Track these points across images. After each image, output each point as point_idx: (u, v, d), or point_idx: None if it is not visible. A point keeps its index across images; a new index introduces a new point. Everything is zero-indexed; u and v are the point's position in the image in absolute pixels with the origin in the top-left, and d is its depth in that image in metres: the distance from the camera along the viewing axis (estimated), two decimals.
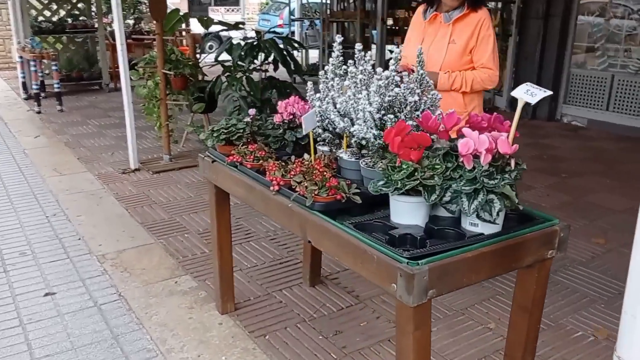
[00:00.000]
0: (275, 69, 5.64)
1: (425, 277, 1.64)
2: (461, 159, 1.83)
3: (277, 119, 2.69)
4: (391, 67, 2.16)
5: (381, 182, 1.92)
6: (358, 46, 2.30)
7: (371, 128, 2.15)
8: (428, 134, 1.92)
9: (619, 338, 1.50)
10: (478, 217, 1.79)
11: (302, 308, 3.04)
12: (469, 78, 3.02)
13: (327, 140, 2.53)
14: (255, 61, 5.52)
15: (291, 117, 2.68)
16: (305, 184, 2.09)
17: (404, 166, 1.87)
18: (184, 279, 3.37)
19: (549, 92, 1.78)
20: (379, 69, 2.14)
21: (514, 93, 1.86)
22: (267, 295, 3.18)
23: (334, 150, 2.45)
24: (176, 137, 6.03)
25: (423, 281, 1.64)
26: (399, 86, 2.17)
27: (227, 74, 5.55)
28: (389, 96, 2.12)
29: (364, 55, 2.27)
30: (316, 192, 2.04)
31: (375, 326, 2.86)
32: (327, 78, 2.53)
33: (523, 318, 2.04)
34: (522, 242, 1.85)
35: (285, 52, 5.52)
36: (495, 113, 2.08)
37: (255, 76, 5.58)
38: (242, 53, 5.44)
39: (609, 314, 2.99)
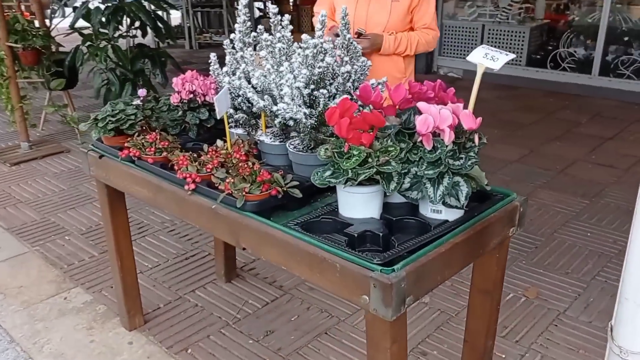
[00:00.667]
0: (144, 34, 5.04)
1: (404, 284, 1.39)
2: (419, 139, 1.59)
3: (174, 99, 2.27)
4: (318, 33, 1.84)
5: (328, 173, 1.62)
6: (273, 9, 1.94)
7: (300, 106, 1.83)
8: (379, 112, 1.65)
9: (617, 326, 1.37)
10: (444, 203, 1.57)
11: (222, 310, 2.70)
12: (414, 40, 2.77)
13: (240, 122, 2.17)
14: (120, 27, 4.87)
15: (191, 95, 2.27)
16: (231, 180, 1.74)
17: (354, 152, 1.59)
18: (74, 292, 2.87)
19: (512, 55, 1.57)
20: (304, 36, 1.81)
21: (471, 58, 1.64)
22: (179, 299, 2.80)
23: (252, 133, 2.10)
24: (33, 120, 5.24)
25: (401, 289, 1.39)
26: (330, 55, 1.86)
27: (88, 43, 4.86)
28: (319, 67, 1.81)
29: (281, 20, 1.93)
30: (247, 190, 1.70)
31: (308, 319, 2.61)
32: (234, 48, 2.15)
33: (484, 301, 1.89)
34: (488, 225, 1.67)
35: (153, 15, 4.92)
36: (438, 80, 1.85)
37: (123, 44, 4.94)
38: (104, 19, 4.76)
39: (533, 270, 2.99)
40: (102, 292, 2.86)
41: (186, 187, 1.85)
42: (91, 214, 3.73)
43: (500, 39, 6.95)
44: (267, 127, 2.12)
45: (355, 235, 1.55)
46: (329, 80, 1.86)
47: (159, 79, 4.88)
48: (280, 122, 1.92)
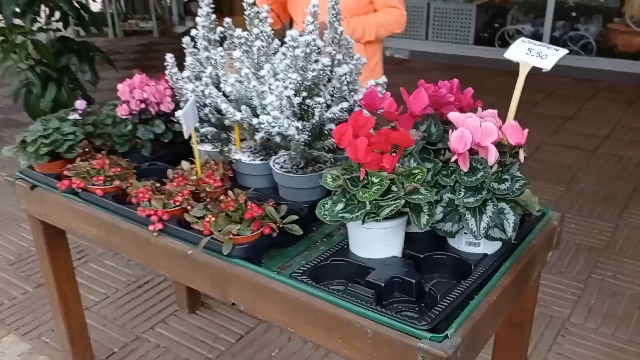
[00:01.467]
0: (65, 26, 4.47)
1: (459, 354, 1.08)
2: (452, 157, 1.27)
3: (122, 111, 1.85)
4: (308, 27, 1.48)
5: (339, 206, 1.28)
6: None
7: (290, 118, 1.48)
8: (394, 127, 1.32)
9: None
10: (487, 236, 1.27)
11: (190, 349, 2.32)
12: (372, 23, 2.42)
13: (208, 137, 1.79)
14: (39, 18, 4.29)
15: (142, 105, 1.86)
16: (213, 219, 1.37)
17: (373, 179, 1.25)
18: (7, 341, 2.41)
19: (564, 51, 1.27)
20: (291, 32, 1.45)
21: (511, 55, 1.33)
22: (137, 340, 2.39)
23: (224, 151, 1.73)
24: None
25: None
26: (324, 55, 1.51)
27: (2, 38, 4.25)
28: (312, 71, 1.45)
29: (258, 12, 1.55)
30: (235, 232, 1.34)
31: (292, 352, 2.28)
32: (196, 48, 1.75)
33: (516, 336, 1.62)
34: (532, 255, 1.38)
35: (76, 4, 4.36)
36: (455, 80, 1.54)
37: (43, 38, 4.36)
38: (18, 9, 4.16)
39: None
40: (41, 338, 2.42)
41: (151, 227, 1.46)
42: (19, 237, 3.22)
43: (446, 17, 6.75)
44: (241, 139, 1.75)
45: (382, 284, 1.22)
46: (323, 86, 1.51)
47: (89, 77, 4.34)
48: (263, 137, 1.55)
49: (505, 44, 6.54)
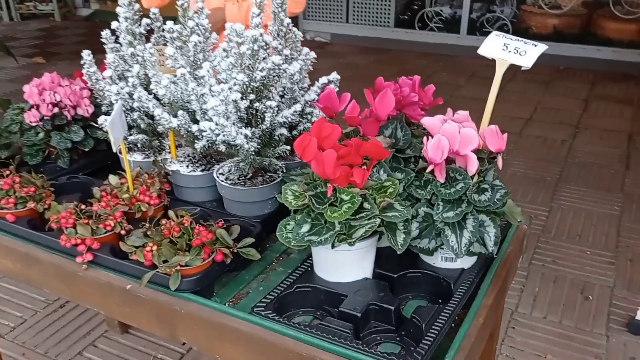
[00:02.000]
0: None
1: None
2: (429, 168, 1.14)
3: (30, 117, 1.60)
4: (255, 20, 1.29)
5: (305, 228, 1.12)
6: None
7: (236, 125, 1.29)
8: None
9: None
10: (468, 252, 1.16)
11: None
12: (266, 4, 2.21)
13: (138, 145, 1.57)
14: None
15: (55, 109, 1.61)
16: (154, 249, 1.17)
17: (343, 196, 1.10)
18: None
19: (543, 47, 1.17)
20: (235, 25, 1.26)
21: (484, 52, 1.21)
22: None
23: (158, 161, 1.51)
24: None
25: None
26: (272, 51, 1.34)
27: None
28: (261, 70, 1.27)
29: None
30: (183, 263, 1.15)
31: None
32: (118, 43, 1.52)
33: (488, 347, 1.53)
34: (509, 265, 1.29)
35: None
36: (416, 76, 1.41)
37: None
38: None
39: None
40: None
41: (79, 259, 1.24)
42: None
43: (366, 0, 6.66)
44: (176, 146, 1.54)
45: (359, 315, 1.08)
46: (274, 87, 1.33)
47: None
48: (204, 146, 1.36)
49: (425, 26, 6.55)
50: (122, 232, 1.29)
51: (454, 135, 1.10)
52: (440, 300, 1.19)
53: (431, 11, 6.52)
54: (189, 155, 1.54)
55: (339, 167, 1.08)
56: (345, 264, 1.17)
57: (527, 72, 4.85)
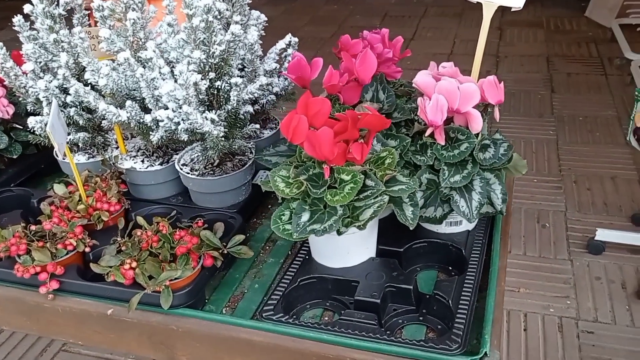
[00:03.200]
0: None
1: None
2: (427, 132, 1.05)
3: None
4: None
5: (305, 217, 1.01)
6: None
7: (198, 109, 1.14)
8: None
9: None
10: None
11: None
12: None
13: (80, 145, 1.37)
14: None
15: None
16: (131, 265, 1.02)
17: (343, 177, 0.99)
18: None
19: None
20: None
21: None
22: None
23: (107, 160, 1.33)
24: None
25: None
26: (234, 22, 1.17)
27: None
28: (220, 44, 1.11)
29: None
30: (174, 278, 1.01)
31: None
32: (34, 29, 1.29)
33: None
34: (508, 216, 1.24)
35: None
36: (384, 29, 1.29)
37: None
38: None
39: None
40: None
41: (43, 289, 1.07)
42: None
43: None
44: (124, 138, 1.36)
45: (379, 302, 1.00)
46: (234, 62, 1.18)
47: None
48: (162, 138, 1.19)
49: None
50: (87, 249, 1.12)
51: (452, 92, 1.01)
52: (450, 268, 1.12)
53: None
54: (140, 148, 1.36)
55: (335, 145, 0.96)
56: (350, 248, 1.07)
57: (438, 6, 4.78)
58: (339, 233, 1.00)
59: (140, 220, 1.12)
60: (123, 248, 1.05)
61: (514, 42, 4.65)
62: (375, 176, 1.01)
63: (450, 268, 1.12)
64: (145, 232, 1.06)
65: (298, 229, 0.99)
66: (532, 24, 5.00)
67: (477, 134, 1.03)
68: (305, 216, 1.01)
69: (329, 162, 0.99)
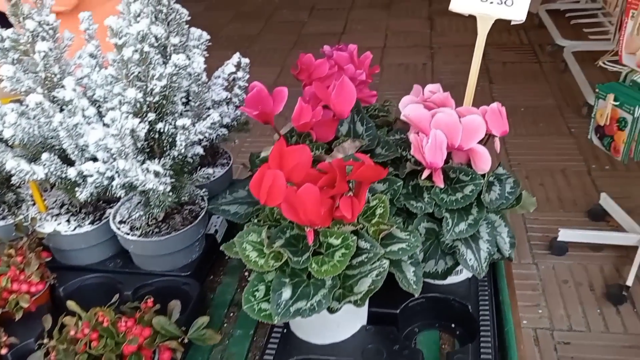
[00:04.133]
0: None
1: None
2: (424, 174, 0.87)
3: None
4: (134, 6, 0.88)
5: (286, 294, 0.81)
6: None
7: (137, 159, 0.91)
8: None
9: None
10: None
11: None
12: None
13: None
14: None
15: None
16: None
17: (331, 241, 0.80)
18: None
19: None
20: (111, 20, 0.85)
21: (458, 7, 0.93)
22: None
23: (22, 224, 1.07)
24: None
25: None
26: (176, 50, 0.95)
27: None
28: (160, 78, 0.88)
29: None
30: None
31: None
32: None
33: None
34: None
35: None
36: (351, 45, 1.10)
37: None
38: None
39: None
40: None
41: None
42: None
43: None
44: (44, 190, 1.11)
45: None
46: (178, 96, 0.95)
47: None
48: (92, 195, 0.96)
49: None
50: (3, 350, 0.88)
51: (453, 127, 0.83)
52: (453, 326, 0.96)
53: None
54: (64, 204, 1.11)
55: (322, 204, 0.77)
56: (341, 321, 0.88)
57: None
58: (331, 311, 0.81)
59: (73, 306, 0.88)
60: (52, 355, 0.81)
61: (445, 33, 4.58)
62: (368, 234, 0.82)
63: (453, 326, 0.96)
64: (81, 329, 0.82)
65: (279, 310, 0.79)
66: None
67: (484, 174, 0.87)
68: (287, 292, 0.81)
69: (312, 225, 0.79)
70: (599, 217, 2.39)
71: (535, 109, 3.31)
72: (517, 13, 0.89)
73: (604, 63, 2.01)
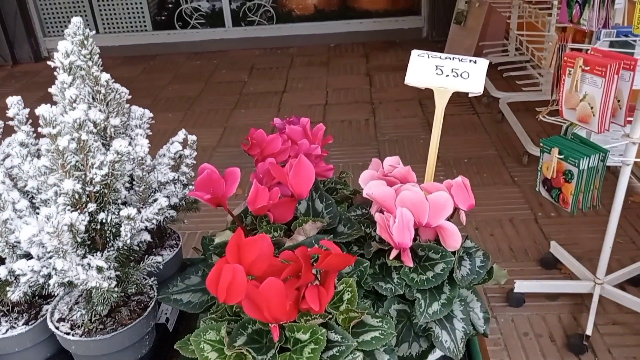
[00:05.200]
0: None
1: None
2: (392, 254, 0.82)
3: None
4: (69, 92, 0.81)
5: None
6: None
7: (76, 253, 0.82)
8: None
9: None
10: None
11: None
12: None
13: None
14: None
15: None
16: None
17: (299, 336, 0.73)
18: None
19: (485, 62, 0.90)
20: (42, 109, 0.78)
21: (414, 80, 0.91)
22: None
23: None
24: None
25: None
26: (119, 131, 0.88)
27: None
28: (100, 167, 0.81)
29: None
30: None
31: None
32: None
33: None
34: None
35: None
36: (303, 118, 1.06)
37: None
38: None
39: None
40: None
41: None
42: None
43: (113, 5, 5.95)
44: None
45: None
46: (120, 182, 0.88)
47: None
48: (26, 294, 0.86)
49: (187, 25, 6.09)
50: None
51: (419, 205, 0.79)
52: None
53: (189, 8, 6.07)
54: (8, 315, 1.00)
55: (288, 298, 0.70)
56: None
57: (303, 55, 4.68)
58: None
59: None
60: None
61: (384, 88, 4.68)
62: (338, 325, 0.76)
63: None
64: None
65: None
66: (395, 68, 5.10)
67: (455, 251, 0.83)
68: None
69: (279, 320, 0.72)
70: (551, 265, 2.41)
71: (478, 159, 3.38)
72: (474, 86, 0.88)
73: (543, 117, 2.07)
